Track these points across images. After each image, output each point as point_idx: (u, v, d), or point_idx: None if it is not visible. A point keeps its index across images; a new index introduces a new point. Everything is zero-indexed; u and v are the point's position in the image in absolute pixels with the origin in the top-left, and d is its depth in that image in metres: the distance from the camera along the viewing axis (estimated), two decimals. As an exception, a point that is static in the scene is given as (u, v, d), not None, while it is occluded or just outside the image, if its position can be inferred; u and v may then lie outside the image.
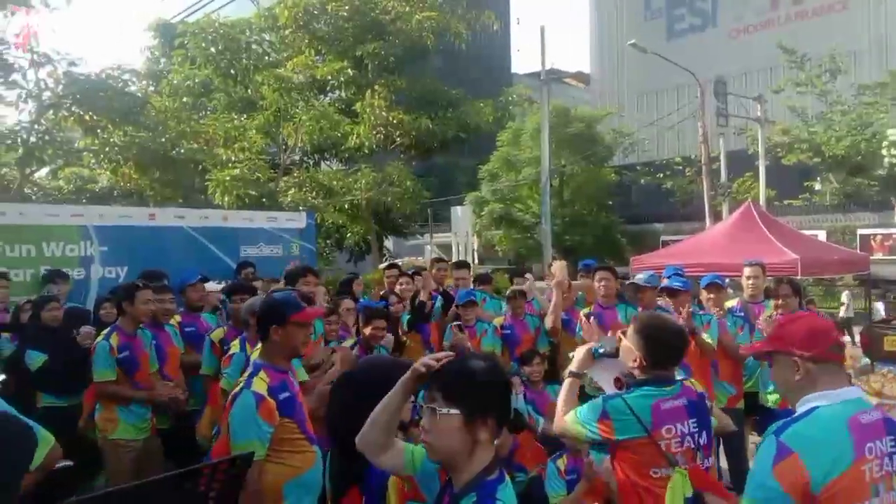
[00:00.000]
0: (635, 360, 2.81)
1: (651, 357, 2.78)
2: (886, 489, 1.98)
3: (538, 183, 22.09)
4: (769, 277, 5.93)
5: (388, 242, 25.63)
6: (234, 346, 4.52)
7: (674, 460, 2.67)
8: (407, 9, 16.42)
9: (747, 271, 5.92)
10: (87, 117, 10.86)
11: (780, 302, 5.38)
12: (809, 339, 2.11)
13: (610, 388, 3.07)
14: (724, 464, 5.90)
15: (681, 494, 2.64)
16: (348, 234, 18.14)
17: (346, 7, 16.07)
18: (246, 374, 3.21)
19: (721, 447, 5.82)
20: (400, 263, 11.57)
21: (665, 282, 5.83)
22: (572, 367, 3.11)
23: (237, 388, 3.14)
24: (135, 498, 1.93)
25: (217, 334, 5.23)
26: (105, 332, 4.84)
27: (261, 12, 17.42)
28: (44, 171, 15.77)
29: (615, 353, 3.00)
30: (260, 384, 3.09)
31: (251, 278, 6.73)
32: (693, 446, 2.73)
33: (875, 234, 21.31)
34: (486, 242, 29.20)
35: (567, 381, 3.08)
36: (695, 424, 2.73)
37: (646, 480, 2.69)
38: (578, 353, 3.13)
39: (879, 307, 15.56)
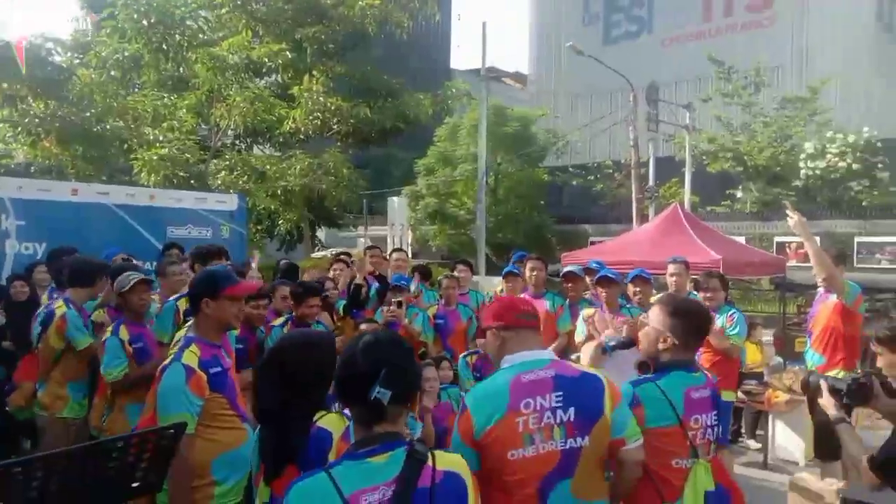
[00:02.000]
0: (665, 341, 2.70)
1: (682, 338, 2.69)
2: (544, 439, 2.25)
3: (473, 179, 22.26)
4: (694, 274, 6.13)
5: (321, 233, 25.30)
6: (107, 332, 4.24)
7: (696, 452, 2.60)
8: (350, -7, 16.23)
9: (671, 268, 6.10)
10: (4, 85, 10.31)
11: (708, 295, 5.47)
12: (499, 312, 2.52)
13: None
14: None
15: (702, 487, 2.58)
16: (280, 221, 17.80)
17: (287, -13, 15.78)
18: (177, 346, 3.12)
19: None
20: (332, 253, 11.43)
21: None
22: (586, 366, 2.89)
23: (167, 361, 3.04)
24: (64, 463, 1.86)
25: (98, 315, 4.90)
26: (111, 327, 4.36)
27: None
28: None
29: (628, 343, 2.88)
30: (190, 357, 3.00)
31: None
32: (712, 439, 2.67)
33: (790, 242, 22.35)
34: (420, 237, 29.22)
35: None
36: (715, 417, 2.68)
37: (665, 470, 2.58)
38: (588, 351, 2.97)
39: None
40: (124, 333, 4.20)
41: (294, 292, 5.07)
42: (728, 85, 25.13)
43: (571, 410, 2.28)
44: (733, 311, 5.61)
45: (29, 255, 7.06)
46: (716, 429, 2.67)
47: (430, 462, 1.80)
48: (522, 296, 6.34)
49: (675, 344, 2.68)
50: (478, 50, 18.34)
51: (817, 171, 22.12)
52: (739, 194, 25.66)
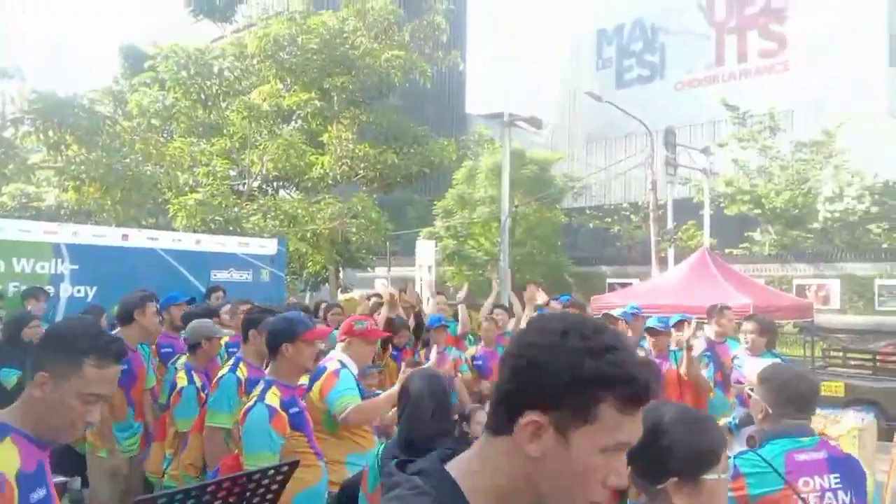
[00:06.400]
0: (761, 412, 2.63)
1: (774, 406, 2.59)
2: None
3: (491, 222, 22.50)
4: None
5: (341, 273, 25.60)
6: (181, 380, 4.36)
7: None
8: (376, 45, 16.74)
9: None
10: (50, 133, 10.71)
11: (746, 339, 5.44)
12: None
13: None
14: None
15: None
16: (309, 263, 18.14)
17: (316, 40, 16.29)
18: (258, 389, 3.33)
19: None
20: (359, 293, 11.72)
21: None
22: None
23: (251, 402, 3.25)
24: (196, 498, 2.04)
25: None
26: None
27: (229, 39, 17.53)
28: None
29: (751, 420, 2.75)
30: (273, 398, 3.21)
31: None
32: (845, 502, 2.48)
33: (810, 285, 22.39)
34: (439, 278, 29.38)
35: None
36: (837, 481, 2.47)
37: None
38: None
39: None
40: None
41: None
42: (743, 129, 25.42)
43: None
44: (777, 359, 5.62)
45: (81, 298, 7.32)
46: (841, 493, 2.45)
47: None
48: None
49: (768, 413, 2.60)
50: (490, 95, 18.84)
51: (836, 214, 22.21)
52: (757, 237, 25.73)
